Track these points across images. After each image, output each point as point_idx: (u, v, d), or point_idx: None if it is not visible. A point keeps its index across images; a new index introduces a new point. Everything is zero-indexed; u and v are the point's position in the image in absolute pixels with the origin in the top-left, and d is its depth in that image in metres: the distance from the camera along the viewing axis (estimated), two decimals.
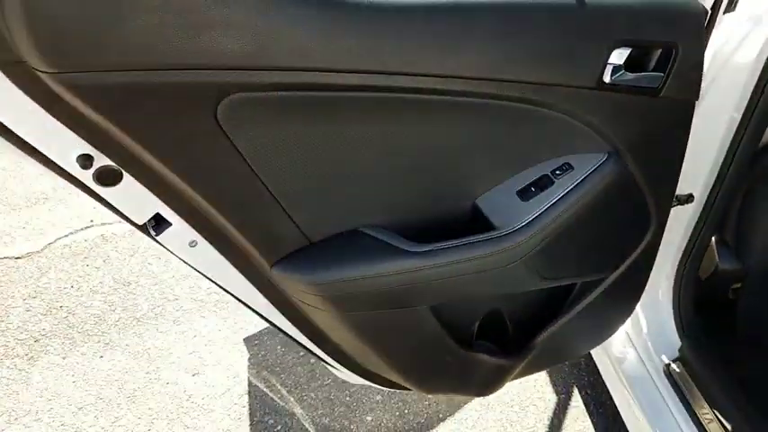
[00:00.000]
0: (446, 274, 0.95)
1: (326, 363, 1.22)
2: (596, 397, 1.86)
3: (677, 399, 1.33)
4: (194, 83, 0.66)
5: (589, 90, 0.89)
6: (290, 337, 1.11)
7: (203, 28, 0.63)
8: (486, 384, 1.23)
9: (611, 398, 1.71)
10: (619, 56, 0.88)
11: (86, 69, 0.61)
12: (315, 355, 1.18)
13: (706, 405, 1.28)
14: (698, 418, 1.27)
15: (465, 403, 1.84)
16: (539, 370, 1.29)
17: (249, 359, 1.94)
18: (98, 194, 0.73)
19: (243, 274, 0.93)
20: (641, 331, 1.44)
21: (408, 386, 1.21)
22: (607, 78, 0.89)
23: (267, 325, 2.05)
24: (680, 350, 1.39)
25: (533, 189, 0.97)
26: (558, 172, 0.97)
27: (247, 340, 2.01)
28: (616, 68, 0.88)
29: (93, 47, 0.60)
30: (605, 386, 1.85)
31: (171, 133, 0.69)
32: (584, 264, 1.09)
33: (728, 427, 1.21)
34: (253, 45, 0.66)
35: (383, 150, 0.87)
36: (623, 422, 1.50)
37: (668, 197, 1.09)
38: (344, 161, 0.85)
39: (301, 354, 1.97)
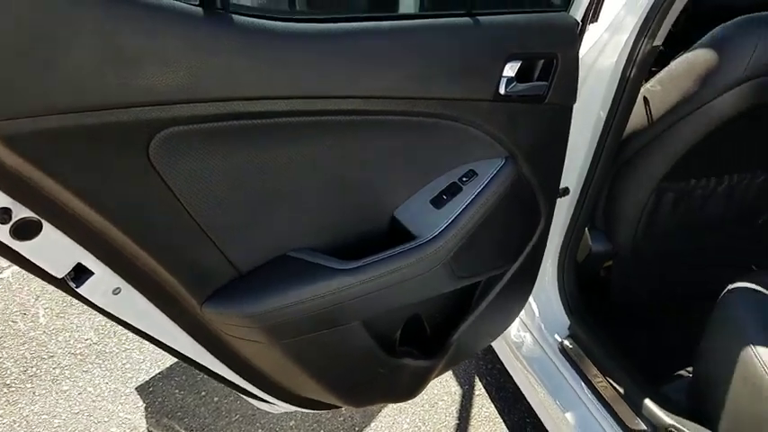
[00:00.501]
0: (376, 288, 0.98)
1: (252, 396, 1.18)
2: (495, 383, 1.99)
3: (573, 372, 1.47)
4: (126, 122, 0.62)
5: (488, 102, 0.97)
6: (218, 376, 1.06)
7: (135, 65, 0.60)
8: (412, 388, 1.27)
9: (510, 381, 1.85)
10: (511, 69, 0.97)
11: (7, 117, 0.55)
12: (242, 390, 1.14)
13: (599, 374, 1.43)
14: (593, 386, 1.42)
15: (378, 412, 1.87)
16: (455, 365, 1.36)
17: (146, 409, 1.80)
18: (12, 250, 0.65)
19: (170, 316, 0.88)
20: (534, 316, 1.58)
21: (339, 403, 1.21)
22: (502, 90, 0.98)
23: (159, 371, 1.93)
24: (569, 328, 1.54)
25: (445, 197, 1.03)
26: (464, 179, 1.04)
27: (140, 389, 1.86)
28: (509, 80, 0.98)
29: (16, 91, 0.55)
30: (503, 371, 1.99)
31: (100, 176, 0.64)
32: (491, 259, 1.18)
33: (621, 390, 1.36)
34: (186, 79, 0.64)
35: (308, 173, 0.88)
36: (526, 401, 1.62)
37: (554, 193, 1.22)
38: (272, 187, 0.85)
39: (203, 393, 1.87)
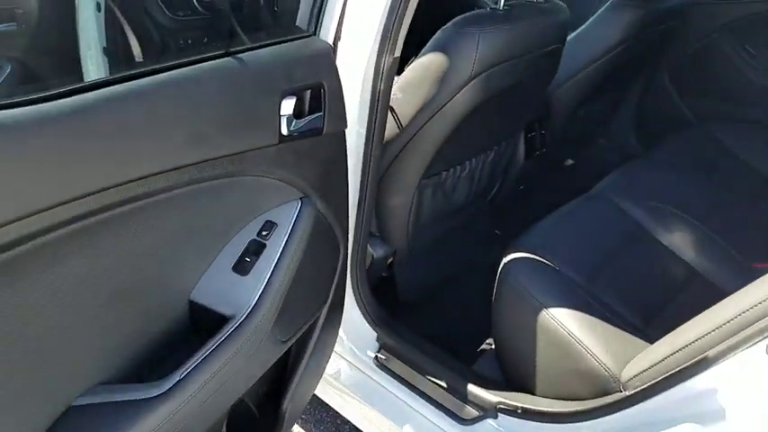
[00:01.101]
0: (204, 396, 0.81)
1: None
2: (320, 424, 1.90)
3: (396, 382, 1.47)
4: None
5: (274, 146, 0.87)
6: None
7: None
8: None
9: (336, 414, 1.78)
10: (287, 106, 0.88)
11: None
12: None
13: (418, 374, 1.46)
14: (418, 389, 1.44)
15: None
16: (291, 427, 1.24)
17: None
18: None
19: None
20: (343, 341, 1.54)
21: None
22: (285, 131, 0.89)
23: None
24: (378, 340, 1.53)
25: (248, 259, 0.91)
26: (264, 233, 0.93)
27: None
28: (289, 119, 0.89)
29: None
30: (329, 410, 1.91)
31: None
32: (309, 308, 1.09)
33: (444, 384, 1.41)
34: None
35: (80, 297, 0.67)
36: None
37: (345, 220, 1.17)
38: (33, 333, 0.62)
39: None
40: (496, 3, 1.40)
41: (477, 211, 1.93)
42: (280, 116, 0.86)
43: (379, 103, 1.25)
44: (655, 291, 1.43)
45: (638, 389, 1.04)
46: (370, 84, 1.22)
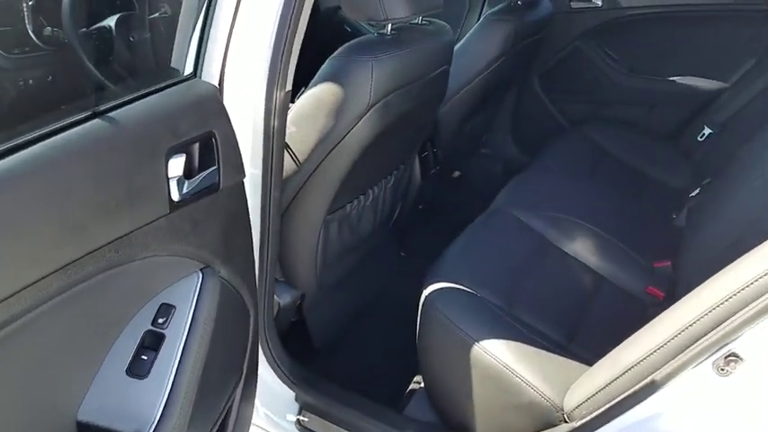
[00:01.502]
0: None
1: None
2: None
3: None
4: None
5: (165, 218, 0.72)
6: None
7: None
8: None
9: None
10: (176, 167, 0.73)
11: None
12: None
13: (344, 429, 1.35)
14: None
15: None
16: None
17: None
18: None
19: None
20: (258, 409, 1.38)
21: None
22: (176, 196, 0.74)
23: None
24: (297, 400, 1.40)
25: (144, 357, 0.74)
26: (161, 320, 0.77)
27: None
28: (179, 182, 0.74)
29: None
30: None
31: None
32: (223, 394, 0.93)
33: None
34: None
35: None
36: None
37: (253, 280, 1.03)
38: None
39: None
40: (383, 28, 1.33)
41: (383, 238, 1.85)
42: (168, 180, 0.72)
43: (275, 142, 1.13)
44: (569, 303, 1.43)
45: (586, 419, 1.00)
46: (262, 122, 1.10)
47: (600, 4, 2.38)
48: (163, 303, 0.77)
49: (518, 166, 2.55)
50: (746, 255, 0.84)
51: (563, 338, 1.30)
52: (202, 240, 0.81)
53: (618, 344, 1.25)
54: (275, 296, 1.47)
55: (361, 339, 1.74)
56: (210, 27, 0.86)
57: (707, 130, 2.16)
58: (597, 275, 1.54)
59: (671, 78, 2.33)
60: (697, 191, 1.79)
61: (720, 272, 0.87)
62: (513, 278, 1.41)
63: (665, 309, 1.42)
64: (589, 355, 1.24)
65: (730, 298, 0.80)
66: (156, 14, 1.51)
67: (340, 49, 1.28)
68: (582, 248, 1.59)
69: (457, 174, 2.64)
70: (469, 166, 2.63)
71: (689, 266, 1.46)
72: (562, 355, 1.20)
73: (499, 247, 1.52)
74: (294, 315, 1.58)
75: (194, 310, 0.78)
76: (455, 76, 1.88)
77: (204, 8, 0.84)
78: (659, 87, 2.39)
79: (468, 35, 2.02)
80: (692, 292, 0.91)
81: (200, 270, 0.82)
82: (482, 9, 2.64)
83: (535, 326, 1.29)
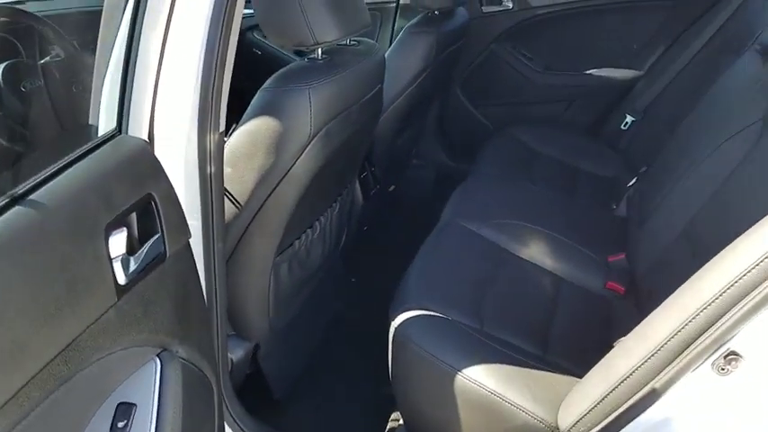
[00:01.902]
0: None
1: None
2: None
3: None
4: None
5: (114, 308, 0.61)
6: None
7: None
8: None
9: None
10: (117, 245, 0.62)
11: None
12: None
13: None
14: None
15: None
16: None
17: None
18: None
19: None
20: None
21: None
22: (122, 279, 0.62)
23: None
24: None
25: None
26: (120, 423, 0.65)
27: None
28: (124, 262, 0.63)
29: None
30: None
31: None
32: None
33: None
34: None
35: None
36: None
37: (212, 349, 0.92)
38: None
39: None
40: (313, 53, 1.26)
41: (331, 267, 1.76)
42: (111, 262, 0.60)
43: (213, 189, 1.03)
44: (536, 310, 1.40)
45: None
46: (197, 170, 0.99)
47: (511, 6, 2.42)
48: (121, 403, 0.65)
49: (449, 172, 2.55)
50: (727, 249, 0.83)
51: (538, 349, 1.27)
52: (156, 322, 0.70)
53: (591, 344, 1.23)
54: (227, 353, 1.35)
55: (324, 381, 1.64)
56: (134, 74, 0.75)
57: (629, 119, 2.22)
58: (556, 277, 1.52)
59: (587, 72, 2.40)
60: (634, 180, 1.83)
61: (703, 268, 0.85)
62: (477, 293, 1.37)
63: (630, 302, 1.45)
64: (567, 362, 1.22)
65: (721, 295, 0.78)
66: (48, 58, 1.36)
67: (271, 80, 1.19)
68: (537, 252, 1.58)
69: (392, 188, 2.60)
70: (404, 178, 2.60)
71: (643, 258, 1.47)
72: (545, 370, 1.16)
73: (457, 263, 1.47)
74: (249, 367, 1.47)
75: (158, 407, 0.67)
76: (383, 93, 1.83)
77: (124, 54, 0.73)
78: (576, 82, 2.45)
79: (390, 50, 1.98)
80: (678, 292, 0.89)
81: (157, 356, 0.70)
82: (394, 23, 2.63)
83: (510, 341, 1.25)
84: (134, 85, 0.75)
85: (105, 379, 0.63)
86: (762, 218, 0.82)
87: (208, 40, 0.86)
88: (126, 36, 0.73)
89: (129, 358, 0.65)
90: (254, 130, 1.16)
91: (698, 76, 1.89)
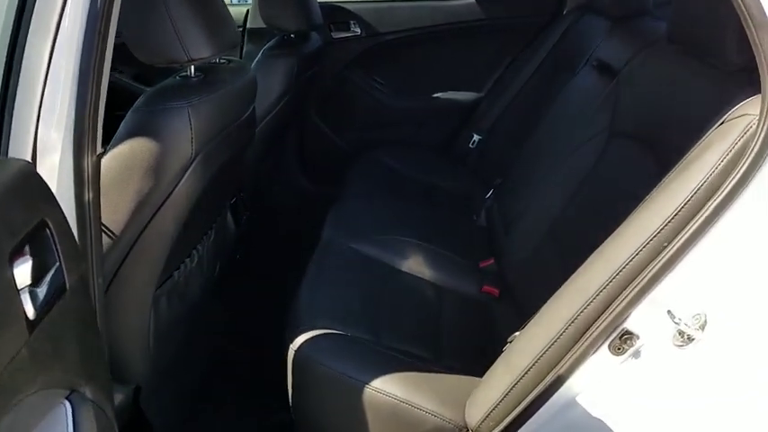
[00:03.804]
0: None
1: None
2: None
3: None
4: None
5: (26, 346, 0.52)
6: None
7: None
8: None
9: None
10: (22, 276, 0.54)
11: None
12: None
13: None
14: None
15: None
16: None
17: None
18: None
19: None
20: None
21: None
22: (31, 313, 0.54)
23: None
24: None
25: None
26: None
27: None
28: (32, 294, 0.55)
29: None
30: None
31: None
32: None
33: None
34: None
35: None
36: None
37: (110, 389, 0.83)
38: None
39: None
40: (185, 70, 1.20)
41: (210, 299, 1.66)
42: (19, 295, 0.52)
43: (92, 218, 0.93)
44: (423, 318, 1.46)
45: (496, 429, 1.01)
46: (74, 197, 0.89)
47: (359, 32, 2.50)
48: None
49: (312, 195, 2.55)
50: (609, 240, 0.93)
51: (433, 355, 1.32)
52: (64, 360, 0.61)
53: (478, 344, 1.31)
54: None
55: (214, 420, 1.53)
56: (16, 89, 0.66)
57: (476, 137, 2.41)
58: (436, 286, 1.59)
59: (434, 95, 2.56)
60: (491, 192, 1.98)
61: (589, 259, 0.95)
62: (368, 308, 1.39)
63: (505, 303, 1.56)
64: (461, 364, 1.28)
65: (611, 281, 0.88)
66: None
67: (142, 99, 1.11)
68: (415, 264, 1.64)
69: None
70: (268, 203, 2.54)
71: (512, 263, 1.59)
72: (445, 372, 1.21)
73: (346, 281, 1.48)
74: (129, 413, 1.32)
75: None
76: None
77: (2, 69, 0.64)
78: (425, 104, 2.60)
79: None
80: (568, 283, 0.98)
81: (67, 398, 0.61)
82: (242, 48, 2.58)
83: (408, 350, 1.28)
84: (17, 99, 0.66)
85: (20, 427, 0.52)
86: (616, 216, 0.94)
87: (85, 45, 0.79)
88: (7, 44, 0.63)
89: (38, 403, 0.56)
90: (128, 154, 1.06)
91: (538, 94, 2.12)
